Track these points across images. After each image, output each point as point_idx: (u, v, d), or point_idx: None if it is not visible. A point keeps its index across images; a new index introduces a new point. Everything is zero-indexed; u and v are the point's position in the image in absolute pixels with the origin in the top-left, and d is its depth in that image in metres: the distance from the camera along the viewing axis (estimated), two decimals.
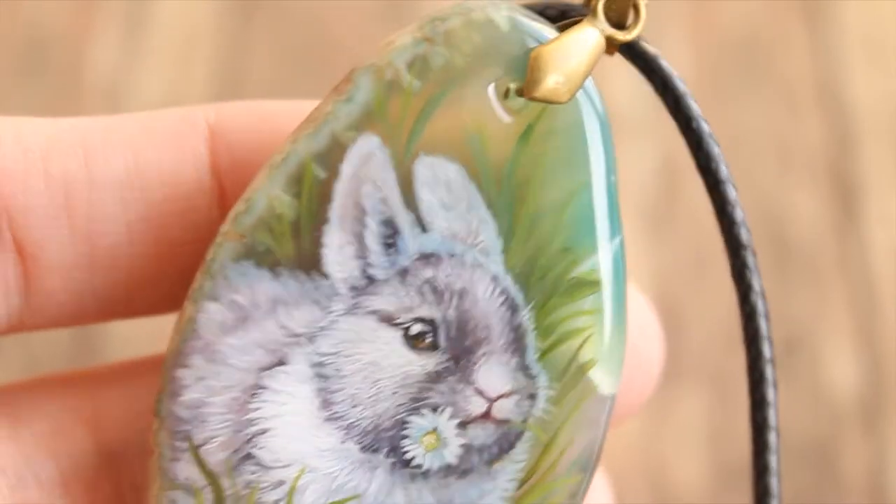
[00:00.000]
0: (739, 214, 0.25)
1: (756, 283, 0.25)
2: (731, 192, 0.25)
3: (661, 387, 0.42)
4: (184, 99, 0.46)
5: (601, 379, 0.24)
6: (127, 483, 0.26)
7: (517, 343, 0.24)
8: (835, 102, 0.46)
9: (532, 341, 0.24)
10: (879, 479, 0.41)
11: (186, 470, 0.24)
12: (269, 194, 0.24)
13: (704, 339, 0.43)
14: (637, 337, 0.27)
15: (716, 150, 0.25)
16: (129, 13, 0.47)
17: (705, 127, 0.25)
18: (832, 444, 0.41)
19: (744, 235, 0.25)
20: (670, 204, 0.45)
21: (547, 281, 0.24)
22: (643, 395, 0.29)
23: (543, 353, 0.24)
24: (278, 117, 0.25)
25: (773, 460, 0.26)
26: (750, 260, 0.25)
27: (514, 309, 0.24)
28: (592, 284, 0.24)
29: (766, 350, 0.26)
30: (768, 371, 0.26)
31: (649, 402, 0.43)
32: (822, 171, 0.45)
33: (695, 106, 0.25)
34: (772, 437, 0.26)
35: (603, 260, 0.24)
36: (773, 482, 0.26)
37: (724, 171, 0.25)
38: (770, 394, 0.26)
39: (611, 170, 0.24)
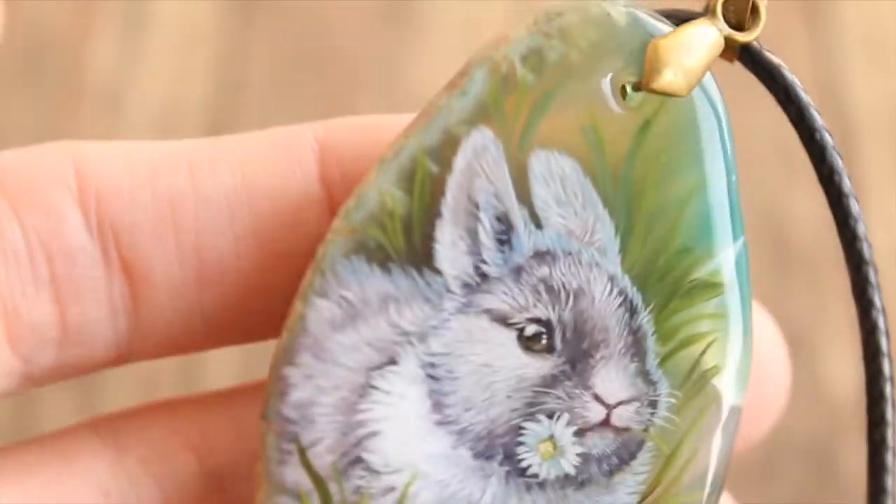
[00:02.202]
0: (862, 229, 0.25)
1: (877, 300, 0.25)
2: (855, 206, 0.25)
3: None
4: (184, 99, 0.46)
5: (726, 388, 0.23)
6: None
7: (636, 347, 0.23)
8: (835, 102, 0.46)
9: (652, 345, 0.23)
10: None
11: (293, 474, 0.23)
12: (380, 189, 0.23)
13: None
14: (761, 352, 0.26)
15: (839, 163, 0.24)
16: (129, 13, 0.47)
17: (829, 139, 0.24)
18: (832, 444, 0.41)
19: (866, 251, 0.25)
20: None
21: (666, 283, 0.23)
22: (771, 417, 0.28)
23: (664, 359, 0.23)
24: (388, 129, 0.25)
25: (889, 458, 0.25)
26: (872, 276, 0.25)
27: (632, 311, 0.23)
28: (715, 287, 0.23)
29: (886, 368, 0.25)
30: (888, 390, 0.25)
31: None
32: None
33: (818, 118, 0.24)
34: (889, 457, 0.25)
35: (725, 261, 0.23)
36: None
37: (847, 184, 0.24)
38: (889, 412, 0.25)
39: (731, 168, 0.24)
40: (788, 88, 0.24)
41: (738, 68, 0.27)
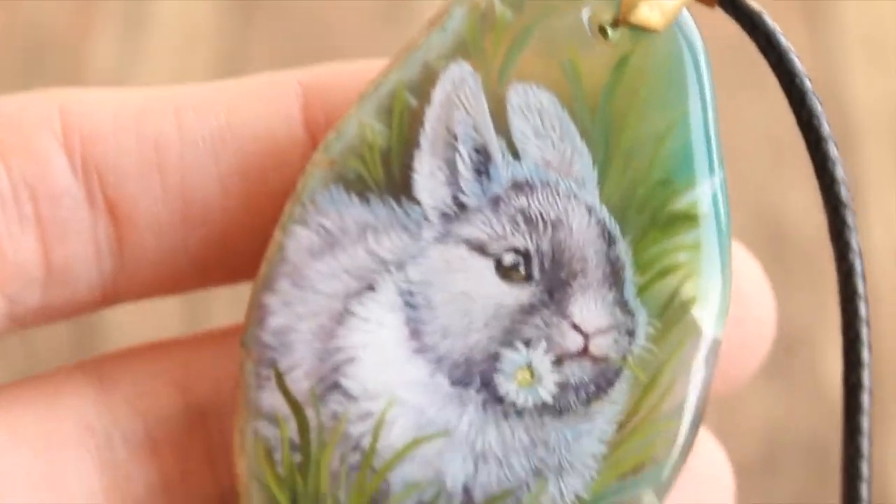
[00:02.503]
0: (840, 172, 0.25)
1: (854, 243, 0.25)
2: (833, 150, 0.25)
3: None
4: None
5: (705, 319, 0.23)
6: (218, 445, 0.26)
7: (614, 277, 0.23)
8: (835, 102, 0.46)
9: (630, 276, 0.23)
10: (879, 479, 0.41)
11: (271, 399, 0.23)
12: (360, 122, 0.23)
13: None
14: (744, 291, 0.27)
15: (818, 108, 0.25)
16: (129, 13, 0.47)
17: (808, 84, 0.25)
18: (832, 443, 0.41)
19: (843, 193, 0.25)
20: None
21: (644, 214, 0.23)
22: (756, 357, 0.28)
23: (642, 289, 0.23)
24: (371, 74, 0.25)
25: (865, 421, 0.26)
26: (850, 218, 0.25)
27: (610, 241, 0.23)
28: (693, 219, 0.24)
29: (863, 310, 0.26)
30: (864, 331, 0.26)
31: None
32: None
33: (798, 63, 0.25)
34: (865, 398, 0.25)
35: (703, 194, 0.24)
36: (863, 453, 0.26)
37: (825, 128, 0.25)
38: (865, 354, 0.26)
39: (708, 104, 0.24)
40: (769, 35, 0.25)
41: (738, 71, 0.27)
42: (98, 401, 0.25)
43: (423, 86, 0.23)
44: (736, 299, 0.25)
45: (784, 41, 0.25)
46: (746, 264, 0.27)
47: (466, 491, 0.23)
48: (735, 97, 0.44)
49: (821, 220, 0.44)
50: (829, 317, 0.43)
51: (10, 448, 0.25)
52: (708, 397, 0.24)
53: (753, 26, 0.25)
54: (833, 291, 0.43)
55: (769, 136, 0.45)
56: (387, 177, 0.23)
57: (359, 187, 0.23)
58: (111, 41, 0.47)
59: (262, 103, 0.25)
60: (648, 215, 0.23)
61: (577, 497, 0.23)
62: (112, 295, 0.26)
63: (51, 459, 0.25)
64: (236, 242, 0.25)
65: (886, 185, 0.45)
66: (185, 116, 0.25)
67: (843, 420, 0.26)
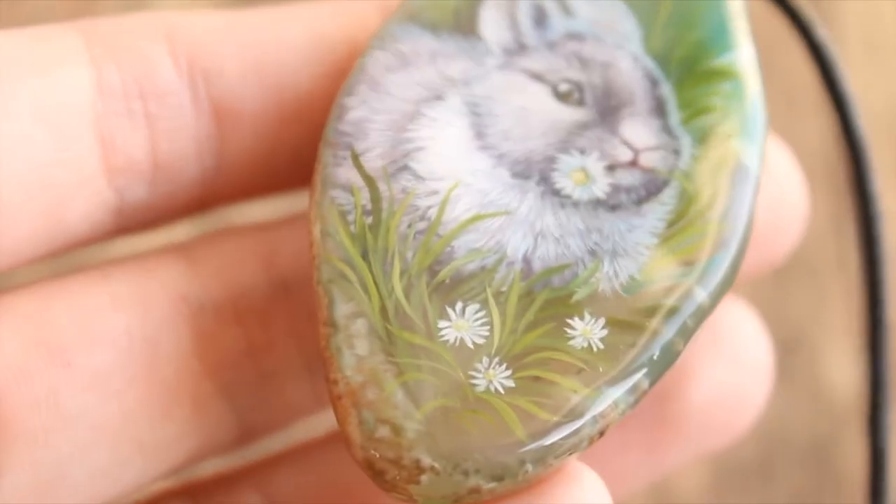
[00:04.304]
0: (857, 121, 0.29)
1: (871, 180, 0.30)
2: (849, 88, 0.29)
3: None
4: None
5: (743, 149, 0.26)
6: (302, 317, 0.28)
7: (659, 109, 0.26)
8: None
9: (673, 109, 0.26)
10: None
11: (347, 174, 0.25)
12: None
13: None
14: (776, 176, 0.29)
15: (833, 54, 0.29)
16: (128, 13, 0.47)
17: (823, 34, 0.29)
18: (832, 444, 0.41)
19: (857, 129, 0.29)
20: None
21: (685, 66, 0.27)
22: (788, 238, 0.30)
23: (684, 120, 0.26)
24: None
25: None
26: (860, 146, 0.29)
27: (654, 82, 0.27)
28: (729, 73, 0.27)
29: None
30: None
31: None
32: (821, 171, 0.45)
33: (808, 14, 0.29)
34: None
35: (738, 58, 0.27)
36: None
37: (839, 71, 0.29)
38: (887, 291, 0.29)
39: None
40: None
41: None
42: (188, 272, 0.27)
43: None
44: (769, 183, 0.27)
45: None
46: (777, 154, 0.30)
47: (526, 260, 0.25)
48: None
49: (821, 223, 0.44)
50: (829, 319, 0.43)
51: (111, 310, 0.26)
52: (749, 232, 0.25)
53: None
54: (832, 293, 0.43)
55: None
56: (455, 22, 0.27)
57: (431, 26, 0.27)
58: None
59: (342, 15, 0.28)
60: (688, 67, 0.27)
61: (631, 277, 0.25)
62: (210, 194, 0.28)
63: (147, 323, 0.27)
64: None
65: (886, 185, 0.45)
66: (276, 24, 0.28)
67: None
